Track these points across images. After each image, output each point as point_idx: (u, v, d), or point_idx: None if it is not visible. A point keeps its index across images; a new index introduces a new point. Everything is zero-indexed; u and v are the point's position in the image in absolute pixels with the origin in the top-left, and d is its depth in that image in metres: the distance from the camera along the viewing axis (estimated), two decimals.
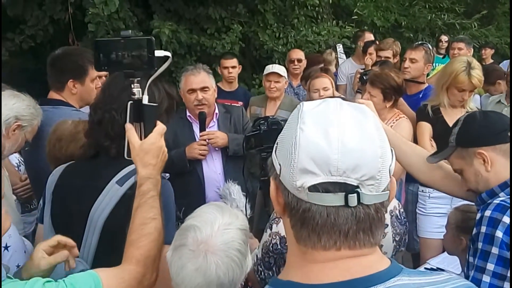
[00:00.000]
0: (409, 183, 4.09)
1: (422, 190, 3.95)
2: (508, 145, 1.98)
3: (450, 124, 3.62)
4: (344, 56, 7.67)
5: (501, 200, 1.89)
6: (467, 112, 3.74)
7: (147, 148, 1.65)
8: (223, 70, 5.59)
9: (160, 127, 1.70)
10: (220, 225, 1.60)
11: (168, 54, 1.69)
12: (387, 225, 2.23)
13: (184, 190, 3.39)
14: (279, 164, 1.00)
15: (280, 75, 4.91)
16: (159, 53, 1.64)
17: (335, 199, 0.94)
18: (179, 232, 1.66)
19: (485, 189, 2.04)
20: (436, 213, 3.89)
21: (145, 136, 1.68)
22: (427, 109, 3.76)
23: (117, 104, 1.89)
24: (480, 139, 2.05)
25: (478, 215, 1.94)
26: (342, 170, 0.92)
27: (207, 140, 3.51)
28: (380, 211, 0.98)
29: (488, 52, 8.32)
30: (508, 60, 6.00)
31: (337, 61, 7.40)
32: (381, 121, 2.41)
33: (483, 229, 1.87)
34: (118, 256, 1.56)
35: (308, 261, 1.00)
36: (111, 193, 1.82)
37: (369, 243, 0.98)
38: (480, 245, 1.88)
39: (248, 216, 2.53)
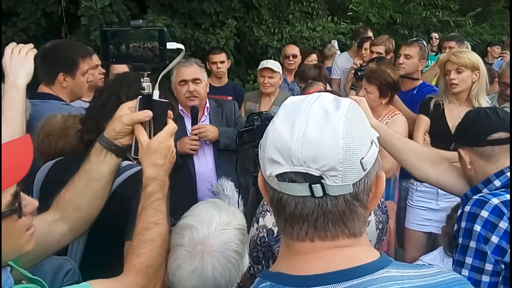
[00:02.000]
0: (402, 179, 4.10)
1: (411, 183, 3.98)
2: (489, 148, 2.01)
3: (449, 122, 3.66)
4: (339, 53, 7.64)
5: (480, 196, 1.92)
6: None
7: (155, 147, 1.53)
8: (211, 65, 5.52)
9: (171, 126, 1.59)
10: (217, 225, 1.57)
11: (181, 46, 1.58)
12: (370, 213, 2.25)
13: (175, 185, 3.35)
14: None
15: (274, 71, 4.89)
16: (171, 45, 1.54)
17: (301, 189, 0.95)
18: (175, 230, 1.62)
19: (471, 185, 2.10)
20: (421, 207, 3.93)
21: (154, 134, 1.58)
22: (430, 103, 3.75)
23: (126, 89, 1.84)
24: (460, 138, 2.14)
25: (459, 212, 1.98)
26: (303, 160, 0.94)
27: (198, 134, 3.47)
28: (352, 204, 0.97)
29: (498, 50, 8.07)
30: (500, 59, 5.94)
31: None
32: (373, 118, 2.42)
33: (463, 224, 1.92)
34: (107, 255, 1.52)
35: (293, 252, 1.02)
36: None
37: (344, 235, 0.99)
38: (460, 240, 1.92)
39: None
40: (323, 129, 0.94)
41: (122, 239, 1.78)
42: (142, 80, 1.56)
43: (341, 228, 0.98)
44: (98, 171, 1.62)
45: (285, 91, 5.60)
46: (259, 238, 2.13)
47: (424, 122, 3.74)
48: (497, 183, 1.98)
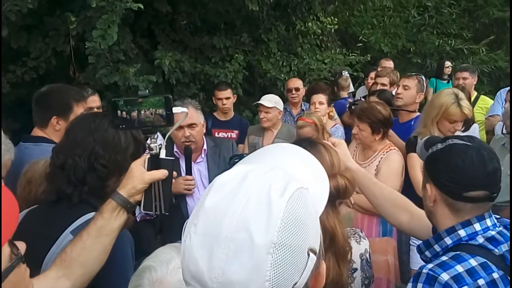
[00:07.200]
0: None
1: None
2: (460, 203, 1.81)
3: None
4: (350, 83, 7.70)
5: (430, 269, 1.74)
6: None
7: None
8: (217, 101, 5.62)
9: None
10: (176, 264, 1.58)
11: (185, 110, 1.79)
12: (357, 269, 2.23)
13: (166, 226, 3.37)
14: None
15: (269, 107, 4.98)
16: (176, 109, 1.72)
17: None
18: (136, 273, 1.65)
19: (430, 219, 1.98)
20: None
21: (164, 191, 1.69)
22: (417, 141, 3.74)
23: (80, 149, 1.86)
24: (436, 177, 1.88)
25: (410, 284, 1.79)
26: None
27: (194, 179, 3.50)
28: None
29: None
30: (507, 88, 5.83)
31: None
32: (352, 161, 2.41)
33: None
34: None
35: None
36: (65, 243, 1.72)
37: None
38: None
39: None
40: (246, 268, 0.82)
41: None
42: (149, 142, 1.71)
43: None
44: (109, 226, 1.68)
45: (290, 123, 5.67)
46: None
47: (418, 160, 3.72)
48: (448, 241, 1.83)
